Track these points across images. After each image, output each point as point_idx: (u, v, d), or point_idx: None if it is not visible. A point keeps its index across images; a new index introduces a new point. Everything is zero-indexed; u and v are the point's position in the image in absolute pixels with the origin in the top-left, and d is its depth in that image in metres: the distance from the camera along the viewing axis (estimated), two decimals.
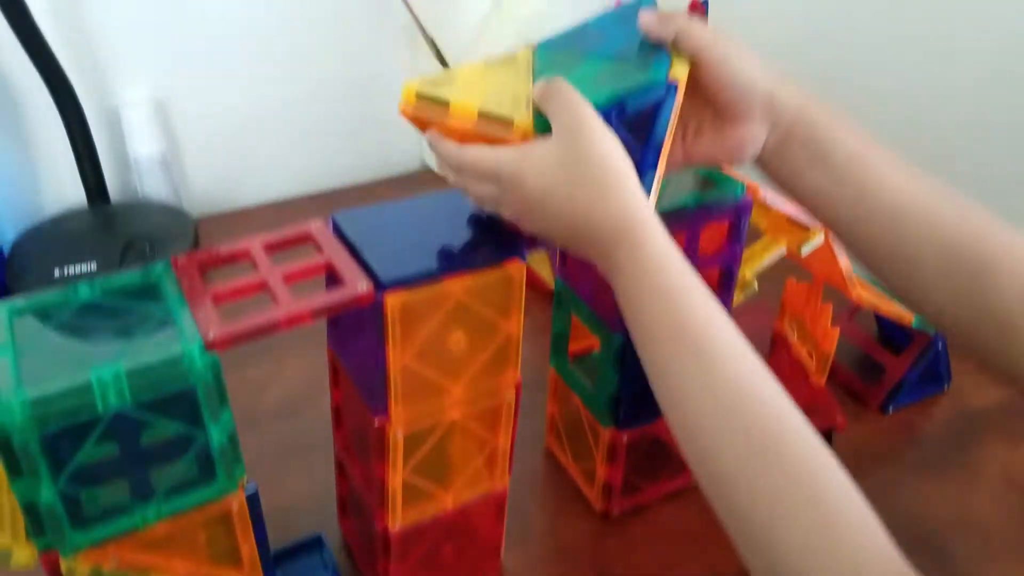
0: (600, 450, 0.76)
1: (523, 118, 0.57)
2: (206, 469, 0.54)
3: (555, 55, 0.63)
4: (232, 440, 0.53)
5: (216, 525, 0.56)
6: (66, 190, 1.15)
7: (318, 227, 0.60)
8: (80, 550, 0.51)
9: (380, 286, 0.55)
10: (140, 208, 1.16)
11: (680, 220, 0.67)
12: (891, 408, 0.93)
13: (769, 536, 0.46)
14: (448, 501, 0.67)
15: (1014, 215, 0.60)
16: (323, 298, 0.53)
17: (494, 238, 0.61)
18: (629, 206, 0.53)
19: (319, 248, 0.58)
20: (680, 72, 0.58)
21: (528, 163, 0.54)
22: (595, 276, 0.57)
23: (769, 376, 0.50)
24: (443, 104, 0.58)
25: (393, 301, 0.55)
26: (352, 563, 0.75)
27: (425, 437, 0.63)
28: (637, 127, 0.57)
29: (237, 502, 0.56)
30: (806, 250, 0.79)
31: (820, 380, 0.84)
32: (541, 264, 1.09)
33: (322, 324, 0.64)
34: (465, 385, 0.62)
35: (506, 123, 0.57)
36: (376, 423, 0.60)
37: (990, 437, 0.91)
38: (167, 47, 1.14)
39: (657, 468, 0.79)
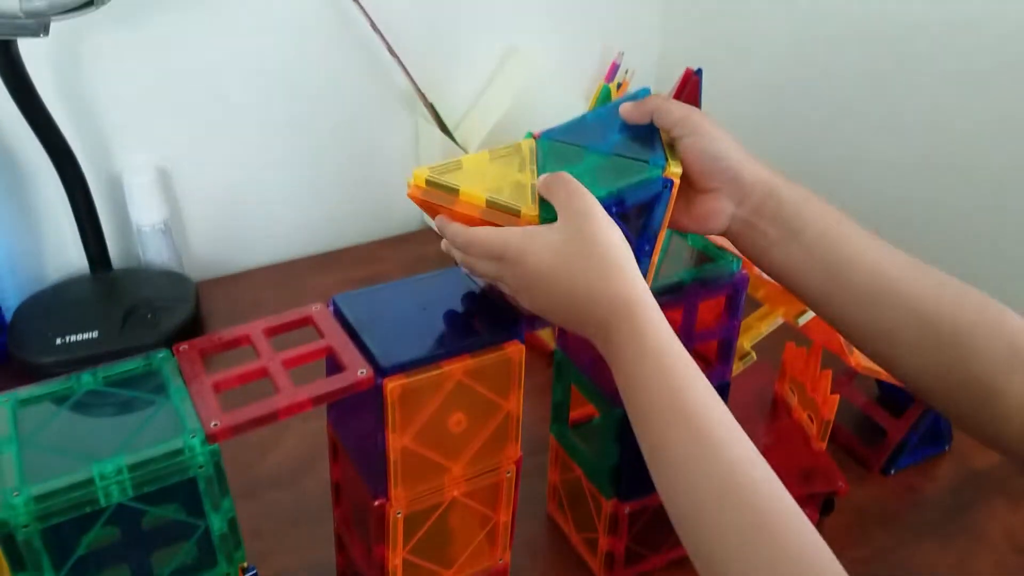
0: (602, 521, 0.76)
1: (529, 208, 0.59)
2: (207, 555, 0.54)
3: (557, 147, 0.66)
4: (232, 526, 0.54)
5: None
6: (69, 257, 1.16)
7: (318, 310, 0.61)
8: None
9: (380, 371, 0.55)
10: (142, 274, 1.17)
11: (678, 295, 0.68)
12: (893, 470, 0.93)
13: None
14: None
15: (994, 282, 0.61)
16: (323, 385, 0.54)
17: (493, 319, 0.61)
18: (631, 289, 0.55)
19: (320, 332, 0.59)
20: (675, 170, 0.61)
21: (534, 241, 0.56)
22: (594, 349, 0.58)
23: (761, 459, 0.52)
24: (452, 191, 0.60)
25: (393, 386, 0.55)
26: None
27: (425, 516, 0.63)
28: (634, 219, 0.60)
29: None
30: (803, 321, 0.80)
31: (821, 445, 0.84)
32: None
33: None
34: (465, 463, 0.63)
35: (513, 212, 0.59)
36: (375, 504, 0.60)
37: (992, 498, 0.91)
38: (169, 115, 1.15)
39: (660, 537, 0.79)
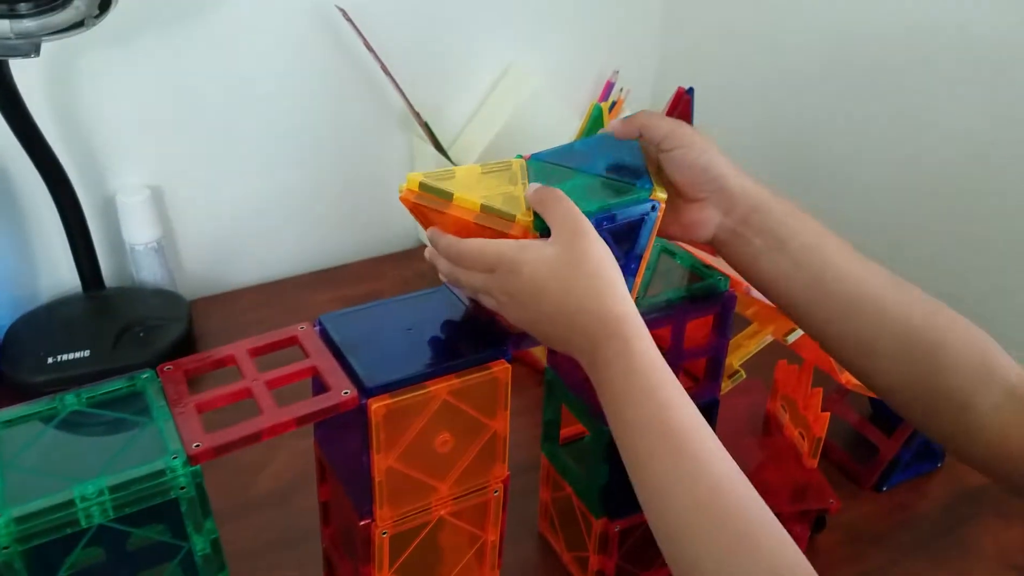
0: (592, 540, 0.76)
1: (524, 215, 0.59)
2: None
3: (546, 167, 0.67)
4: (216, 547, 0.53)
5: None
6: (61, 275, 1.16)
7: (304, 330, 0.61)
8: None
9: (365, 392, 0.55)
10: (135, 293, 1.16)
11: (667, 313, 0.68)
12: (885, 487, 0.93)
13: None
14: None
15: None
16: (307, 406, 0.54)
17: (479, 339, 0.61)
18: (620, 307, 0.56)
19: (305, 352, 0.59)
20: (661, 195, 0.63)
21: (527, 255, 0.57)
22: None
23: (743, 477, 0.53)
24: (446, 196, 0.61)
25: (377, 407, 0.55)
26: None
27: (412, 536, 0.63)
28: (621, 238, 0.62)
29: None
30: (792, 339, 0.80)
31: (813, 463, 0.84)
32: None
33: None
34: (452, 483, 0.63)
35: (508, 218, 0.60)
36: (361, 524, 0.60)
37: (985, 515, 0.91)
38: (162, 134, 1.15)
39: (649, 556, 0.79)
